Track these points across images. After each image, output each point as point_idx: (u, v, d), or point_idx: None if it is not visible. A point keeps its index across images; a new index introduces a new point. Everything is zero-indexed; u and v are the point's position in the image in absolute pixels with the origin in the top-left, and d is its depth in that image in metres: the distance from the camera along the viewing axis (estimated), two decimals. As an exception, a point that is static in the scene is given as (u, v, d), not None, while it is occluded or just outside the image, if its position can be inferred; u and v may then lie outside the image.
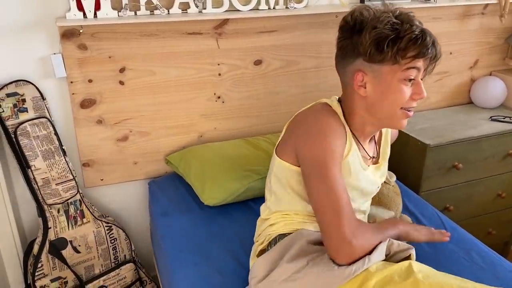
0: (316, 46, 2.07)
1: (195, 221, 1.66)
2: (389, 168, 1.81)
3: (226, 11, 1.84)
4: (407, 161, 2.14)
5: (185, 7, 1.79)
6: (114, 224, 1.87)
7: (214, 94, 1.99)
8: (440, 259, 1.44)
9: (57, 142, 1.71)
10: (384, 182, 1.61)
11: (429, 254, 1.46)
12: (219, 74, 1.97)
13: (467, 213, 2.26)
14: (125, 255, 1.90)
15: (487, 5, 2.33)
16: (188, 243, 1.53)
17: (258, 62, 2.01)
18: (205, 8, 1.81)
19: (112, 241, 1.85)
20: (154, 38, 1.81)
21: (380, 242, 1.09)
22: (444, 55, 2.36)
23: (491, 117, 2.30)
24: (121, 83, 1.84)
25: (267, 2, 1.89)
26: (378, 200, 1.56)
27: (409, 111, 1.13)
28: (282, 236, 1.23)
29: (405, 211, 1.73)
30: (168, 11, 1.77)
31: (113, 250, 1.86)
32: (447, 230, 1.45)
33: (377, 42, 1.05)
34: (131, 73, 1.84)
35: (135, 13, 1.73)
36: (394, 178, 1.69)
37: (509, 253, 2.53)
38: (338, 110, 1.20)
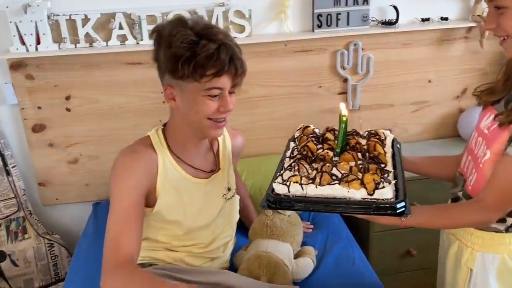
0: (266, 75, 2.04)
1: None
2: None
3: (163, 42, 1.90)
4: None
5: (123, 39, 1.89)
6: (57, 242, 1.98)
7: (160, 121, 2.04)
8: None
9: (1, 163, 1.88)
10: (278, 213, 1.52)
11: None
12: (163, 102, 2.02)
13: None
14: (66, 272, 2.00)
15: (470, 28, 2.11)
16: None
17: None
18: (142, 40, 1.89)
19: (53, 257, 1.97)
20: (96, 68, 1.93)
21: None
22: (422, 83, 2.19)
23: (469, 152, 2.05)
24: (68, 109, 1.98)
25: (207, 32, 1.92)
26: (270, 233, 1.48)
27: (218, 121, 1.15)
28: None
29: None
30: (107, 43, 1.88)
31: (53, 266, 1.97)
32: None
33: (172, 61, 1.05)
34: (76, 100, 1.97)
35: (75, 45, 1.87)
36: None
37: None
38: (155, 138, 1.23)
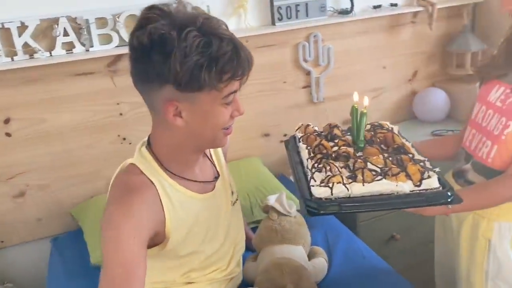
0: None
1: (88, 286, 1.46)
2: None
3: (117, 46, 1.70)
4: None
5: (69, 47, 1.65)
6: (11, 292, 1.67)
7: (118, 135, 1.83)
8: None
9: None
10: (284, 215, 1.42)
11: None
12: (121, 114, 1.81)
13: (415, 239, 2.05)
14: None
15: (417, 13, 2.19)
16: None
17: (165, 97, 1.86)
18: (92, 46, 1.67)
19: (10, 311, 1.65)
20: (39, 83, 1.67)
21: None
22: (377, 70, 2.22)
23: (432, 132, 2.13)
24: (8, 135, 1.68)
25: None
26: (281, 238, 1.37)
27: (228, 129, 1.01)
28: None
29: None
30: (50, 53, 1.63)
31: (12, 321, 1.66)
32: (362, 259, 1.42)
33: (191, 72, 0.86)
34: (18, 123, 1.68)
35: (12, 58, 1.59)
36: (294, 208, 1.48)
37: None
38: (143, 164, 1.01)
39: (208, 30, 0.89)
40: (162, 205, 0.99)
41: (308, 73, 2.07)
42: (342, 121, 2.23)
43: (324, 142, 1.09)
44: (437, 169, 0.95)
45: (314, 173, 0.97)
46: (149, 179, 0.99)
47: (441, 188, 0.94)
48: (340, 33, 2.07)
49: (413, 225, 2.01)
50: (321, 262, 1.39)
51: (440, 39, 2.29)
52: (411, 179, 0.93)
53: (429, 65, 2.32)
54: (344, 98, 2.19)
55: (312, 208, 0.91)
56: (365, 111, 1.04)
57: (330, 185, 0.91)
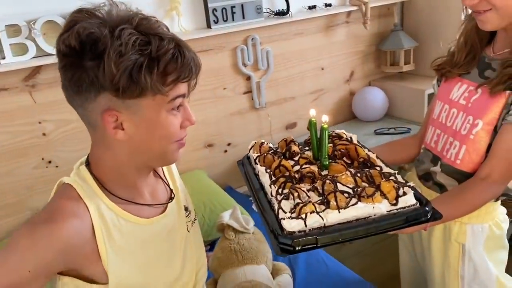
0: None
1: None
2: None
3: (34, 57, 1.49)
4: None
5: (-25, 59, 1.41)
6: None
7: (42, 159, 1.61)
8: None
9: None
10: (241, 232, 1.31)
11: None
12: (44, 134, 1.59)
13: (366, 241, 2.03)
14: None
15: (350, 13, 2.19)
16: None
17: (94, 112, 1.67)
18: (4, 58, 1.45)
19: None
20: None
21: None
22: (316, 71, 2.18)
23: (375, 130, 2.13)
24: None
25: (89, 40, 1.57)
26: (242, 258, 1.26)
27: (181, 141, 0.88)
28: None
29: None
30: (-49, 67, 1.38)
31: None
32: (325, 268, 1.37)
33: (129, 73, 0.75)
34: None
35: None
36: (252, 223, 1.37)
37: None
38: (80, 185, 0.87)
39: (145, 29, 0.78)
40: (94, 237, 0.84)
41: (248, 78, 1.98)
42: (285, 125, 2.18)
43: (284, 162, 0.98)
44: (411, 184, 0.89)
45: (280, 201, 0.86)
46: (85, 204, 0.84)
47: (418, 204, 0.87)
48: (277, 35, 2.01)
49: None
50: (286, 279, 1.30)
51: (373, 38, 2.31)
52: (386, 197, 0.85)
53: (364, 64, 2.34)
54: (285, 102, 2.13)
55: (288, 246, 0.80)
56: (326, 126, 0.95)
57: (303, 216, 0.81)
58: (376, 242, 2.03)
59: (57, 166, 1.64)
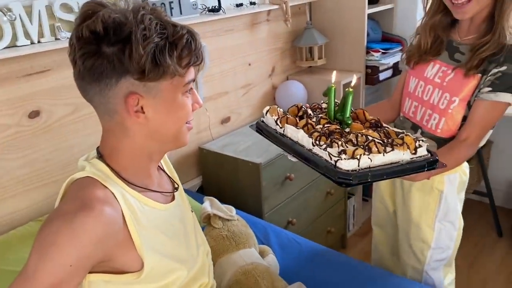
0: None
1: None
2: (225, 200, 1.59)
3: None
4: (242, 186, 1.94)
5: None
6: None
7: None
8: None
9: None
10: (227, 220, 1.35)
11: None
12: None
13: (307, 220, 2.20)
14: None
15: (269, 11, 2.32)
16: None
17: (34, 114, 1.52)
18: None
19: None
20: None
21: None
22: (244, 67, 2.27)
23: (302, 119, 2.30)
24: None
25: (27, 36, 1.42)
26: (235, 244, 1.30)
27: (190, 123, 0.95)
28: None
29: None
30: None
31: None
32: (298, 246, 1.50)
33: (153, 55, 0.80)
34: None
35: None
36: (234, 211, 1.44)
37: (347, 244, 2.60)
38: (101, 177, 0.87)
39: (158, 16, 0.83)
40: (125, 224, 0.86)
41: (186, 74, 1.98)
42: (221, 120, 2.22)
43: (310, 121, 1.09)
44: (423, 139, 1.05)
45: (325, 148, 0.98)
46: (111, 191, 0.86)
47: (429, 155, 1.04)
48: (211, 31, 2.05)
49: (301, 209, 2.15)
50: (273, 259, 1.38)
51: (289, 35, 2.48)
52: (408, 148, 1.01)
53: (283, 60, 2.50)
54: (220, 97, 2.18)
55: (344, 179, 0.93)
56: (351, 89, 1.07)
57: (358, 157, 0.93)
58: (314, 221, 2.22)
59: (-6, 177, 1.45)
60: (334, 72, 1.13)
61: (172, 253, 0.94)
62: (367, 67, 2.52)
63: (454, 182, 1.38)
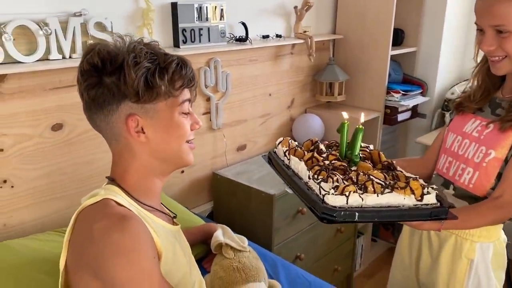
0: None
1: None
2: (235, 228, 1.57)
3: (1, 63, 1.34)
4: (253, 215, 1.93)
5: None
6: None
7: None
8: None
9: None
10: (239, 251, 1.34)
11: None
12: (1, 150, 1.42)
13: (315, 256, 2.17)
14: None
15: (294, 45, 2.35)
16: None
17: (57, 127, 1.53)
18: (-35, 62, 1.28)
19: None
20: None
21: None
22: (264, 97, 2.29)
23: (318, 154, 2.30)
24: None
25: (60, 50, 1.45)
26: (246, 276, 1.28)
27: (191, 143, 1.01)
28: None
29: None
30: None
31: None
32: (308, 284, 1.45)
33: (145, 78, 0.89)
34: None
35: None
36: (247, 242, 1.42)
37: (352, 285, 2.55)
38: (117, 198, 0.92)
39: (151, 47, 0.93)
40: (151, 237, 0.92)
41: (208, 99, 2.00)
42: (237, 147, 2.23)
43: (316, 155, 1.10)
44: (435, 186, 1.03)
45: (320, 183, 0.97)
46: (129, 210, 0.92)
47: (439, 204, 1.02)
48: (235, 60, 2.07)
49: (310, 245, 2.12)
50: (281, 294, 1.34)
51: (310, 70, 2.51)
52: (413, 193, 0.99)
53: (302, 93, 2.52)
54: (238, 125, 2.19)
55: (329, 216, 0.92)
56: (361, 127, 1.07)
57: (346, 193, 0.92)
58: (323, 257, 2.18)
59: (12, 186, 1.46)
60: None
61: (183, 271, 1.00)
62: (386, 107, 2.52)
63: (487, 252, 1.26)
